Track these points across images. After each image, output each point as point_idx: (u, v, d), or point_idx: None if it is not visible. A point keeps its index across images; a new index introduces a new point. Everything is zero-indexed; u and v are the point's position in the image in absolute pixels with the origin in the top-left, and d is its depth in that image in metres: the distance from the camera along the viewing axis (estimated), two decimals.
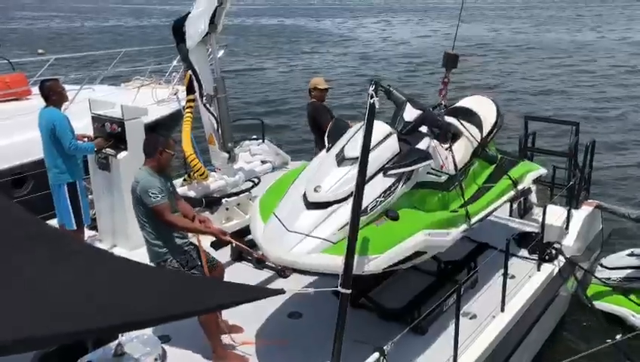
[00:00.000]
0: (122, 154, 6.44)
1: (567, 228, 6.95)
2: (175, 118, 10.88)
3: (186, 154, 7.12)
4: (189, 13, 6.94)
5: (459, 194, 5.34)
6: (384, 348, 4.12)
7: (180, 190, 7.27)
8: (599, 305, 7.60)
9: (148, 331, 4.82)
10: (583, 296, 7.53)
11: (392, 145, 4.72)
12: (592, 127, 16.64)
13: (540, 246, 6.29)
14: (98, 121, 6.70)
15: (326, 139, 5.11)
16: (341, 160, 4.66)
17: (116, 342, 4.53)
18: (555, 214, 6.72)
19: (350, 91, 23.03)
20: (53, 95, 6.23)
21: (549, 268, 6.30)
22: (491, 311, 5.41)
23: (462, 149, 5.60)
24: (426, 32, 44.03)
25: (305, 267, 4.33)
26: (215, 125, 7.29)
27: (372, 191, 4.46)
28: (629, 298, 7.52)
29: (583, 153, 7.68)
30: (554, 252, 6.46)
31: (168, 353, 4.72)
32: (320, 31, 49.69)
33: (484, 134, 5.95)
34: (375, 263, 4.23)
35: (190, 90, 7.36)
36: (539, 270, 6.23)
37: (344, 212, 4.30)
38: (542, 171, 6.86)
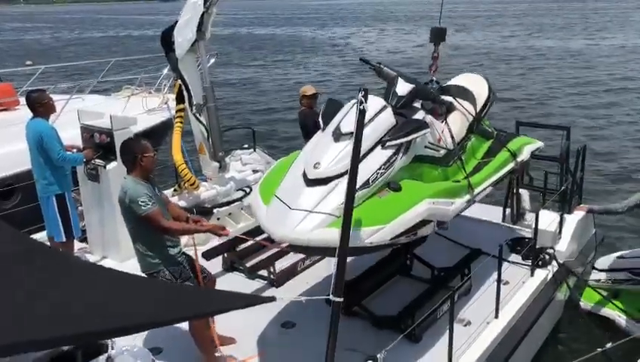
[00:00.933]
0: (112, 165, 6.37)
1: (560, 233, 6.94)
2: (165, 127, 10.83)
3: (176, 164, 7.08)
4: (177, 22, 6.93)
5: (459, 168, 5.37)
6: (377, 356, 4.07)
7: (171, 200, 7.22)
8: (589, 307, 7.62)
9: (139, 343, 4.75)
10: (576, 298, 7.55)
11: (388, 118, 4.71)
12: (583, 132, 16.71)
13: (534, 252, 6.28)
14: (87, 131, 6.65)
15: (320, 120, 5.08)
16: (338, 136, 4.63)
17: (106, 355, 4.45)
18: (548, 219, 6.71)
19: (341, 99, 23.01)
20: (40, 106, 6.16)
21: (542, 274, 6.28)
22: (485, 317, 5.38)
23: (457, 124, 5.61)
24: (421, 41, 44.17)
25: (312, 243, 4.23)
26: (205, 134, 7.26)
27: (372, 164, 4.47)
28: (617, 300, 7.56)
29: (574, 158, 7.70)
30: (547, 257, 6.44)
31: None
32: (312, 40, 49.86)
33: (478, 109, 5.97)
34: (381, 234, 4.22)
35: (180, 99, 7.34)
36: (532, 275, 6.21)
37: (345, 185, 4.26)
38: (539, 144, 6.90)
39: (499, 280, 5.37)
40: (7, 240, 3.39)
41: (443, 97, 5.61)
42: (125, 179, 4.57)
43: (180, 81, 7.19)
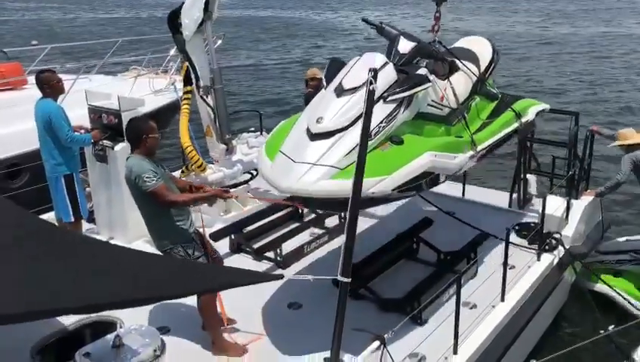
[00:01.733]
0: (119, 146, 6.38)
1: (566, 218, 6.93)
2: (172, 109, 10.81)
3: (183, 146, 7.08)
4: (184, 3, 6.89)
5: (463, 126, 5.42)
6: (384, 336, 4.11)
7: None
8: (590, 285, 7.65)
9: (147, 322, 4.80)
10: (582, 281, 7.61)
11: (390, 74, 4.74)
12: (592, 119, 16.58)
13: (540, 237, 6.27)
14: (95, 112, 6.65)
15: (323, 79, 5.14)
16: (340, 92, 4.69)
17: (114, 333, 4.50)
18: (555, 204, 6.70)
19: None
20: (48, 87, 6.17)
21: (548, 259, 6.28)
22: (491, 301, 5.40)
23: (461, 83, 5.63)
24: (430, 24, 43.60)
25: (316, 194, 4.32)
26: (212, 116, 7.25)
27: (374, 117, 4.45)
28: (620, 279, 7.62)
29: (582, 143, 7.66)
30: (554, 242, 6.45)
31: (167, 344, 4.68)
32: (319, 23, 49.49)
33: (482, 70, 6.01)
34: (384, 184, 4.30)
35: (187, 81, 7.32)
36: (539, 260, 6.22)
37: (348, 138, 4.42)
38: (545, 106, 6.93)
39: (505, 264, 5.38)
40: (14, 219, 3.41)
41: (453, 60, 5.57)
42: (130, 158, 4.61)
43: (187, 63, 7.17)
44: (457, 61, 5.64)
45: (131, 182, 4.52)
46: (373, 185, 4.24)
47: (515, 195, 7.73)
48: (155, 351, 4.50)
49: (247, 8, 59.83)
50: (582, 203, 7.37)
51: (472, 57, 6.02)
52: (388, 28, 5.45)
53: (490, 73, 6.18)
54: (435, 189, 8.09)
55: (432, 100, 5.11)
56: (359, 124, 4.40)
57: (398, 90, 4.68)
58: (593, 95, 21.02)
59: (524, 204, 7.68)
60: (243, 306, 5.14)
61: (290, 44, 36.86)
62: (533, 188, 7.85)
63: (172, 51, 11.90)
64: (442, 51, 5.68)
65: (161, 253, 4.63)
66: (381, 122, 4.55)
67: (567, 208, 6.96)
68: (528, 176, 7.76)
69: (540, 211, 6.25)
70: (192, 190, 4.94)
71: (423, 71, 5.00)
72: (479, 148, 5.38)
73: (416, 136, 4.80)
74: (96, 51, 17.40)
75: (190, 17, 6.81)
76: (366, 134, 3.77)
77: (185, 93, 7.46)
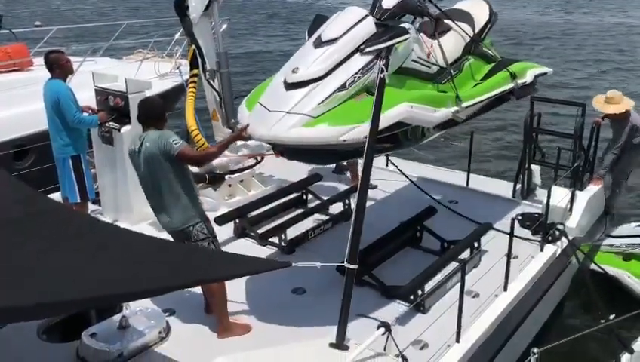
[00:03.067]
0: (126, 129, 6.38)
1: (570, 209, 6.94)
2: (177, 92, 10.80)
3: (189, 130, 7.08)
4: None
5: (451, 84, 5.37)
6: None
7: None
8: (599, 268, 7.57)
9: (152, 304, 4.84)
10: (586, 260, 7.58)
11: (368, 26, 4.75)
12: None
13: (544, 227, 6.29)
14: (101, 94, 6.65)
15: (306, 34, 5.15)
16: (318, 43, 4.73)
17: (120, 314, 4.55)
18: (559, 195, 6.70)
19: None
20: (57, 67, 6.17)
21: (552, 249, 6.30)
22: (494, 290, 5.43)
23: (451, 42, 5.63)
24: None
25: (288, 141, 4.41)
26: (218, 100, 7.24)
27: (349, 68, 4.56)
28: (628, 262, 7.64)
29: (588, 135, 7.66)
30: (557, 233, 6.46)
31: (172, 326, 4.74)
32: (327, 10, 49.22)
33: (477, 30, 5.98)
34: (357, 132, 4.32)
35: (194, 64, 7.30)
36: (542, 250, 6.23)
37: (323, 88, 4.47)
38: (546, 69, 6.86)
39: (509, 254, 5.40)
40: (22, 199, 3.43)
41: (439, 15, 5.56)
42: (147, 135, 4.52)
43: (194, 46, 7.15)
44: (449, 20, 5.64)
45: (160, 152, 4.40)
46: (344, 133, 4.28)
47: (519, 185, 7.73)
48: (160, 332, 4.57)
49: None
50: (586, 194, 7.39)
51: (467, 18, 5.98)
52: None
53: (486, 34, 6.14)
54: (439, 177, 8.25)
55: (418, 57, 5.10)
56: (335, 74, 4.49)
57: (374, 41, 4.67)
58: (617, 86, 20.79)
59: (528, 195, 7.68)
60: (247, 290, 5.17)
61: (295, 29, 36.66)
62: (537, 179, 7.84)
63: (177, 35, 11.85)
64: (432, 10, 5.60)
65: (181, 231, 4.55)
66: (356, 73, 4.56)
67: (572, 199, 6.96)
68: (533, 166, 7.75)
69: (544, 202, 6.26)
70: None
71: (405, 25, 4.96)
72: (465, 104, 5.33)
73: (396, 88, 4.76)
74: (102, 34, 17.34)
75: None
76: (377, 117, 3.73)
77: (191, 76, 7.44)
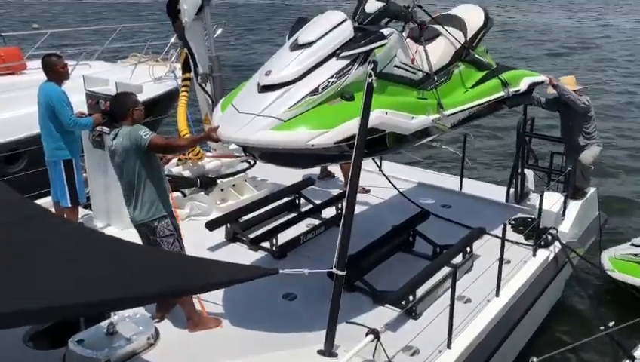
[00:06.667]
0: None
1: (563, 214, 6.93)
2: (171, 96, 10.78)
3: (181, 134, 7.07)
4: None
5: (436, 93, 5.26)
6: (378, 329, 4.11)
7: (175, 170, 7.23)
8: (619, 276, 7.59)
9: (141, 310, 4.80)
10: (604, 268, 7.60)
11: (346, 30, 4.68)
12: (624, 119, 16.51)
13: (536, 232, 6.27)
14: (92, 97, 6.62)
15: (286, 36, 5.08)
16: (294, 47, 4.67)
17: (108, 320, 4.51)
18: (552, 200, 6.69)
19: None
20: (52, 71, 6.15)
21: (544, 254, 6.28)
22: (486, 295, 5.40)
23: (439, 48, 5.55)
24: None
25: (255, 143, 4.36)
26: (210, 104, 7.22)
27: (324, 72, 4.50)
28: None
29: None
30: (550, 238, 6.44)
31: (161, 332, 4.70)
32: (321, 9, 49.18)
33: (469, 37, 5.87)
34: (326, 137, 4.25)
35: (186, 68, 7.30)
36: (534, 255, 6.21)
37: (295, 91, 4.40)
38: (542, 78, 6.76)
39: (501, 259, 5.37)
40: (10, 205, 3.40)
41: (422, 19, 5.45)
42: (119, 130, 4.66)
43: (186, 50, 7.14)
44: (439, 27, 5.57)
45: (131, 146, 4.52)
46: (313, 137, 4.21)
47: (512, 190, 7.72)
48: (148, 338, 4.53)
49: None
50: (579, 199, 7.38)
51: (459, 24, 5.88)
52: None
53: (479, 41, 6.02)
54: (433, 181, 8.23)
55: (402, 62, 5.01)
56: (308, 78, 4.42)
57: (351, 46, 4.61)
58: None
59: (521, 199, 7.67)
60: (236, 296, 5.13)
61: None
62: (530, 183, 7.84)
63: (172, 39, 11.86)
64: (420, 15, 5.51)
65: (145, 225, 4.62)
66: (331, 77, 4.49)
67: (564, 204, 6.95)
68: (526, 170, 7.74)
69: (537, 206, 6.24)
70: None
71: (386, 30, 4.86)
72: (449, 112, 5.25)
73: (373, 94, 4.63)
74: (96, 37, 17.33)
75: (189, 2, 6.78)
76: (366, 121, 3.69)
77: (183, 80, 7.45)
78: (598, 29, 38.40)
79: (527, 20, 42.62)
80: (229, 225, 6.45)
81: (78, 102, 6.82)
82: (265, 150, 4.42)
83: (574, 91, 7.29)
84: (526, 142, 7.73)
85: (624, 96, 20.23)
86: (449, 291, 4.70)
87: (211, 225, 6.29)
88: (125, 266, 3.06)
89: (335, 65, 4.53)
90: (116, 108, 4.79)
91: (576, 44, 31.94)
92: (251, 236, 6.36)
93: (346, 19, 4.74)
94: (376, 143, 4.64)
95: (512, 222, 6.86)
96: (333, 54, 4.56)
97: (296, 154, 4.39)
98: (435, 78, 5.32)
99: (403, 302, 5.03)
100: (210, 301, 5.02)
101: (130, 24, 15.89)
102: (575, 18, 44.79)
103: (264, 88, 4.50)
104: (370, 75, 3.70)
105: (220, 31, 10.63)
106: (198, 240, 6.10)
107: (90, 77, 6.89)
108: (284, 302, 5.28)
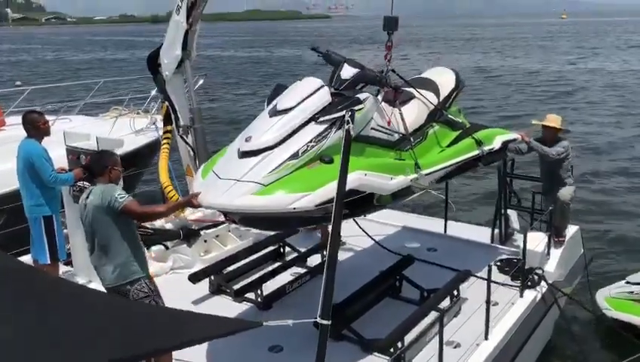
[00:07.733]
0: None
1: (548, 253, 6.93)
2: (153, 148, 10.77)
3: (163, 185, 7.03)
4: (162, 44, 6.95)
5: (412, 154, 5.35)
6: None
7: (157, 222, 7.16)
8: (616, 314, 7.58)
9: None
10: (600, 307, 7.60)
11: (323, 97, 4.76)
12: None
13: (522, 273, 6.25)
14: (73, 153, 6.59)
15: (265, 103, 5.14)
16: (273, 113, 4.74)
17: None
18: (536, 240, 6.71)
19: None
20: (33, 128, 6.13)
21: (531, 294, 6.25)
22: (475, 338, 5.34)
23: (414, 110, 5.64)
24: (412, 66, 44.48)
25: (235, 209, 4.35)
26: (192, 156, 7.23)
27: (302, 137, 4.56)
28: None
29: None
30: (536, 278, 6.42)
31: None
32: (302, 62, 50.10)
33: (442, 98, 5.99)
34: (307, 200, 4.25)
35: (167, 120, 7.33)
36: (522, 296, 6.18)
37: (275, 156, 4.45)
38: (514, 135, 6.87)
39: (488, 302, 5.33)
40: None
41: (396, 83, 5.53)
42: (95, 187, 4.61)
43: (167, 103, 7.19)
44: (412, 89, 5.70)
45: (103, 205, 4.46)
46: (294, 201, 4.24)
47: (496, 231, 7.73)
48: None
49: (225, 50, 60.34)
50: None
51: (431, 86, 6.03)
52: (334, 55, 5.50)
53: (452, 102, 6.17)
54: (417, 225, 8.23)
55: (378, 124, 5.12)
56: (288, 143, 4.48)
57: (329, 111, 4.70)
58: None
59: (506, 240, 7.68)
60: (221, 348, 5.01)
61: (269, 82, 37.19)
62: (514, 224, 7.87)
63: (153, 91, 11.93)
64: (393, 80, 5.61)
65: (115, 289, 4.51)
66: (310, 141, 4.57)
67: (549, 243, 6.96)
68: (509, 211, 7.78)
69: (522, 247, 6.24)
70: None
71: (362, 95, 4.98)
72: (426, 171, 5.32)
73: (352, 156, 4.62)
74: (77, 92, 17.39)
75: (169, 56, 6.87)
76: (345, 173, 3.73)
77: (165, 132, 7.46)
78: (581, 73, 39.38)
79: (513, 66, 43.64)
80: (212, 277, 6.35)
81: (58, 158, 6.79)
82: (246, 215, 4.42)
83: (558, 131, 7.39)
84: (507, 184, 7.79)
85: (609, 136, 20.57)
86: (438, 336, 4.63)
87: (194, 278, 6.19)
88: (98, 319, 2.97)
89: (313, 129, 4.61)
90: (95, 165, 4.79)
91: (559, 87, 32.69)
92: (236, 287, 6.26)
93: (323, 86, 4.86)
94: (357, 204, 4.68)
95: (498, 263, 6.84)
96: (312, 119, 4.64)
97: (279, 218, 4.40)
98: (412, 138, 5.43)
99: (392, 350, 4.94)
100: (194, 356, 4.89)
101: (111, 78, 15.99)
102: (560, 62, 45.97)
103: (244, 154, 4.55)
104: (347, 123, 3.74)
105: (201, 81, 10.73)
106: (182, 293, 5.99)
107: (71, 132, 6.88)
108: (270, 354, 5.16)
